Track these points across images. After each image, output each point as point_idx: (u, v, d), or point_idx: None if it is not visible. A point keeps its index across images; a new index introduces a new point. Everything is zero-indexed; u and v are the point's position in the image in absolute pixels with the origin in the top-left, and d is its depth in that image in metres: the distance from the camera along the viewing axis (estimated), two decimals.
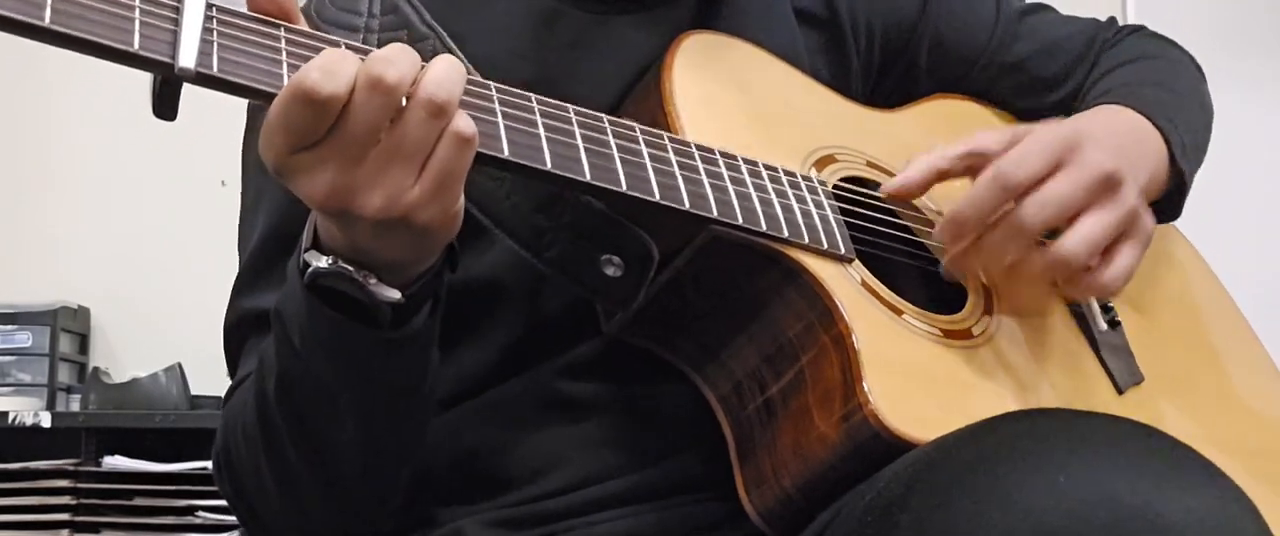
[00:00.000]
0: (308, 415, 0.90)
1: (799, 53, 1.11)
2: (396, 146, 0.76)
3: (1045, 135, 0.98)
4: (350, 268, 0.82)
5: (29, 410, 2.72)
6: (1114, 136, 1.04)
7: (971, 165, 0.99)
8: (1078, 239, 0.96)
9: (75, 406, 2.83)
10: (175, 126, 0.79)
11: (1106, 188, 0.97)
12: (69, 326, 2.92)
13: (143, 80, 0.74)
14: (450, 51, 0.97)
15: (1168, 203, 1.12)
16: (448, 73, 0.77)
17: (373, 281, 0.82)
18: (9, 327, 2.84)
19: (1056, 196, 0.95)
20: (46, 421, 2.68)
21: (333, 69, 0.74)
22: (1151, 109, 1.10)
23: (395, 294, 0.83)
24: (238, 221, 1.07)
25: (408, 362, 0.88)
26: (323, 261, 0.82)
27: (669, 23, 1.05)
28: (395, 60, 0.75)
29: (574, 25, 1.04)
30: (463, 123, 0.77)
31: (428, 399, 0.94)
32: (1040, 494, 0.68)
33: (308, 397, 0.89)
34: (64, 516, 2.63)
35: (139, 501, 2.63)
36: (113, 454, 2.68)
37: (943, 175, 1.00)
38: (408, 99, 0.76)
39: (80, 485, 2.64)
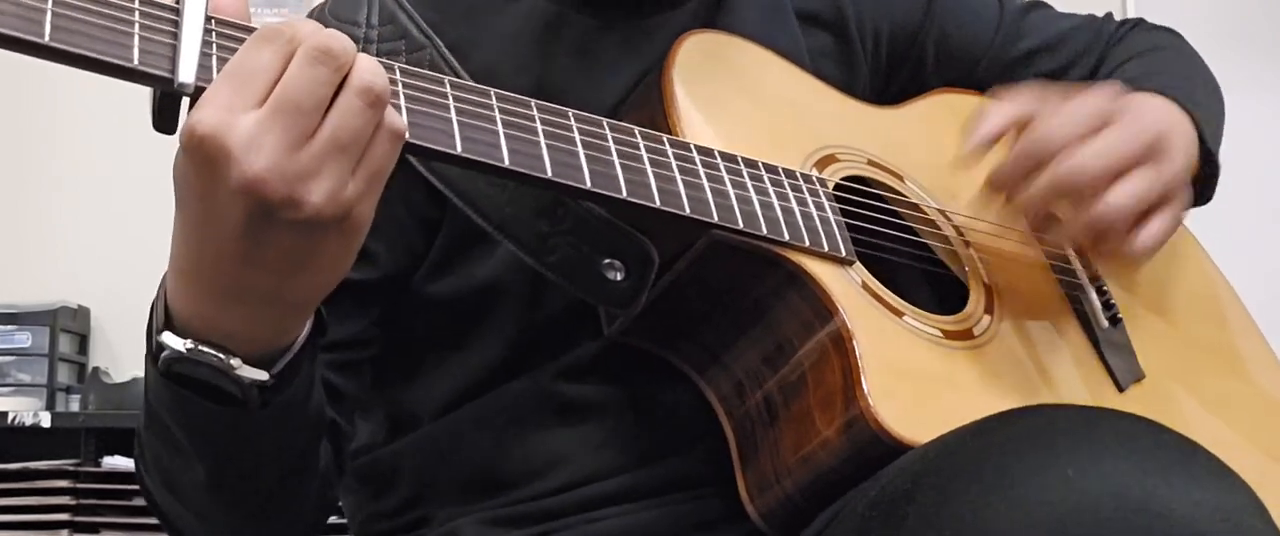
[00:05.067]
0: (163, 457, 0.87)
1: (801, 55, 1.11)
2: (336, 138, 0.71)
3: (1094, 96, 0.98)
4: (213, 353, 0.76)
5: (29, 410, 2.72)
6: (1156, 112, 1.05)
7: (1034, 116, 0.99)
8: (1125, 193, 0.95)
9: (75, 406, 2.83)
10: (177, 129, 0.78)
11: (1157, 148, 0.97)
12: (69, 326, 2.93)
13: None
14: (447, 62, 0.97)
15: (1201, 187, 1.12)
16: (376, 64, 0.74)
17: (237, 364, 0.76)
18: (9, 327, 2.84)
19: (1112, 148, 0.95)
20: (46, 421, 2.68)
21: (276, 27, 0.72)
22: (1178, 95, 1.11)
23: (262, 375, 0.77)
24: None
25: (272, 431, 0.83)
26: (181, 344, 0.76)
27: (671, 29, 1.05)
28: (338, 35, 0.72)
29: (577, 32, 1.04)
30: (396, 118, 0.74)
31: (303, 453, 0.89)
32: (1047, 487, 0.68)
33: (164, 448, 0.86)
34: (64, 516, 2.63)
35: (139, 501, 2.63)
36: (113, 454, 2.68)
37: (1018, 122, 0.99)
38: (341, 87, 0.72)
39: (80, 485, 2.65)
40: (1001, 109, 1.00)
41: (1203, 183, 1.12)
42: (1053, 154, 0.95)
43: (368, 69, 0.72)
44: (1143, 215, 0.98)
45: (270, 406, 0.79)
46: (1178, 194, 1.00)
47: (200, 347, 0.76)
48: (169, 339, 0.76)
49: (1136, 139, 0.96)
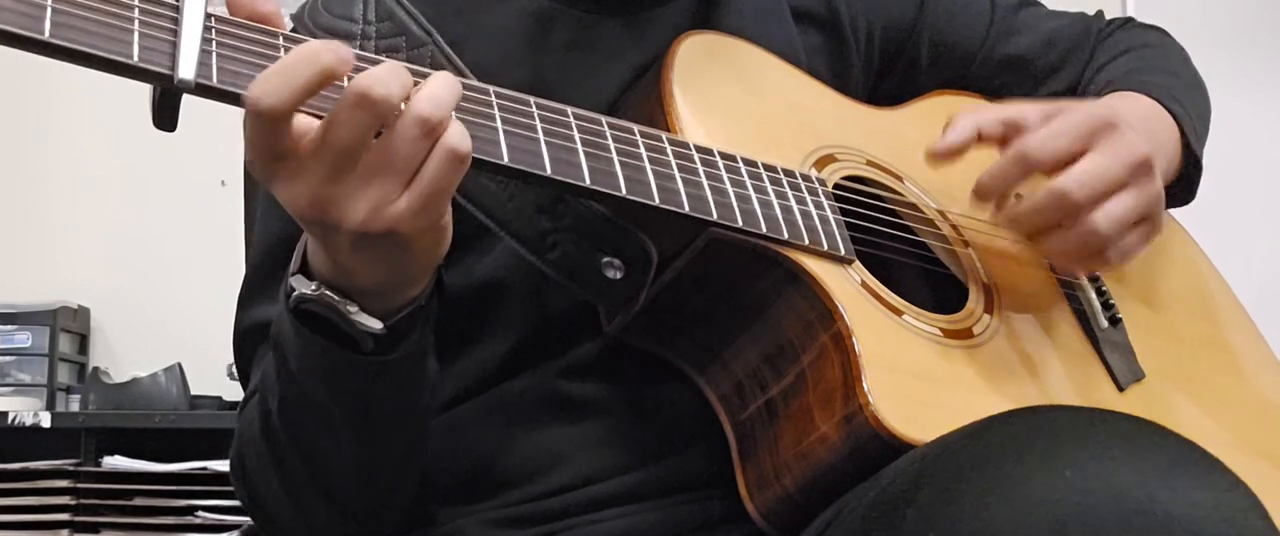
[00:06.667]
0: (306, 434, 0.91)
1: (797, 53, 1.11)
2: (384, 161, 0.75)
3: (1078, 114, 0.99)
4: (333, 296, 0.82)
5: (29, 410, 2.72)
6: (1142, 121, 1.05)
7: (1007, 135, 1.00)
8: (1112, 218, 0.97)
9: (75, 406, 2.83)
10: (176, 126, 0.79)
11: (1142, 170, 0.98)
12: (69, 326, 2.92)
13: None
14: (447, 57, 0.97)
15: (1182, 186, 1.13)
16: (442, 89, 0.77)
17: (353, 310, 0.82)
18: (9, 327, 2.84)
19: (1101, 173, 0.96)
20: (46, 421, 2.68)
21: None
22: (1161, 94, 1.12)
23: (376, 324, 0.83)
24: (242, 224, 1.07)
25: (397, 384, 0.88)
26: (308, 287, 0.82)
27: (665, 23, 1.05)
28: (385, 79, 0.74)
29: (569, 27, 1.04)
30: (457, 139, 0.77)
31: (426, 413, 0.94)
32: (1046, 488, 0.68)
33: (305, 417, 0.90)
34: (64, 516, 2.63)
35: (139, 501, 2.63)
36: (113, 454, 2.68)
37: (982, 136, 1.01)
38: (400, 113, 0.75)
39: (80, 485, 2.64)
40: (971, 120, 1.01)
41: (1184, 181, 1.13)
42: (1039, 169, 0.97)
43: (429, 96, 0.76)
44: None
45: (386, 358, 0.85)
46: (1158, 211, 1.01)
47: (324, 291, 0.82)
48: (297, 281, 0.83)
49: (1123, 161, 0.98)
